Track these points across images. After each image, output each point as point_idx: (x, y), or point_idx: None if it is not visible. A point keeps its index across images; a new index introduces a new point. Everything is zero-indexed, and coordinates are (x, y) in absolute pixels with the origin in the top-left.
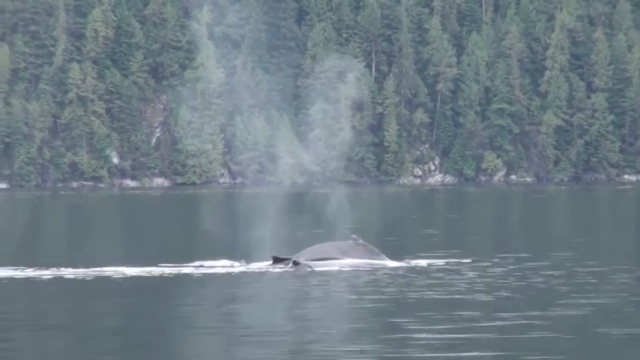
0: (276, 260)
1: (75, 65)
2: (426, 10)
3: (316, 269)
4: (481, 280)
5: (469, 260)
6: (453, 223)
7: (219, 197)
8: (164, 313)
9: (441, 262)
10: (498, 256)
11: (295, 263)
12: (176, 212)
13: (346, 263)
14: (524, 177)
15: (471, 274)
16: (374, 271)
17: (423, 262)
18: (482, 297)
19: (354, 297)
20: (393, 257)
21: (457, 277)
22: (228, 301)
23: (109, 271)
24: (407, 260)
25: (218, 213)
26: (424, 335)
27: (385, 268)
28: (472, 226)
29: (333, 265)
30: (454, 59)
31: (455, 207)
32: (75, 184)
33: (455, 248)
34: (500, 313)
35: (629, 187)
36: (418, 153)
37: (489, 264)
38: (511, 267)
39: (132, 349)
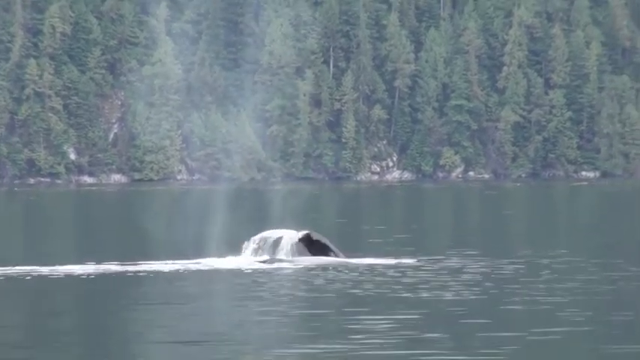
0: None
1: (32, 61)
2: (384, 7)
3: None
4: (431, 279)
5: (416, 260)
6: (404, 220)
7: (173, 194)
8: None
9: (393, 261)
10: (445, 253)
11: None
12: (127, 210)
13: (319, 262)
14: (482, 173)
15: (421, 272)
16: (344, 269)
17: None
18: (430, 295)
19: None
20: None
21: (413, 275)
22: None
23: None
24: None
25: (167, 211)
26: (378, 334)
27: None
28: (419, 224)
29: (305, 262)
30: (412, 55)
31: (403, 204)
32: (32, 181)
33: (406, 246)
34: (454, 311)
35: (586, 183)
36: (376, 149)
37: (434, 262)
38: (457, 264)
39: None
